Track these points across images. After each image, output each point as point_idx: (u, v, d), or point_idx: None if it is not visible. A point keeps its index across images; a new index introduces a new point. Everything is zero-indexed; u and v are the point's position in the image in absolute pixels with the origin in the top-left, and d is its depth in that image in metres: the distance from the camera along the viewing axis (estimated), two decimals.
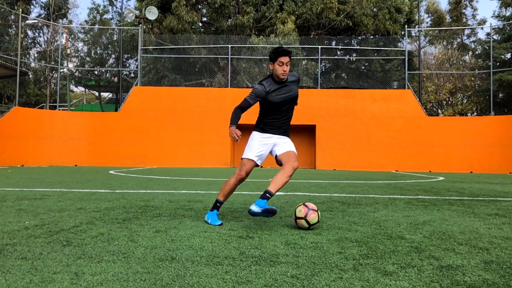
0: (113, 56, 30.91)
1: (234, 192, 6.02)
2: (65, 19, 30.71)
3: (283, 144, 3.51)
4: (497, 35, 27.98)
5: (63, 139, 17.80)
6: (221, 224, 3.35)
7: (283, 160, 3.41)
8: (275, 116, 3.48)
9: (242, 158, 3.53)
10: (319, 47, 19.42)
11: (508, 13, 28.90)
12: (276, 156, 3.50)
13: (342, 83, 20.41)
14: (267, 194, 3.18)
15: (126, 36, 25.50)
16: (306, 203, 3.23)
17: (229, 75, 18.99)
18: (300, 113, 17.89)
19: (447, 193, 6.44)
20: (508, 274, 2.07)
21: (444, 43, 34.03)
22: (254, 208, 3.11)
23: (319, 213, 3.24)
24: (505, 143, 17.03)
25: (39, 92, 30.94)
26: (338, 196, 5.74)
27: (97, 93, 34.81)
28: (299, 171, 15.02)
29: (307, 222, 3.12)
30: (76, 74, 30.38)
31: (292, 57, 19.76)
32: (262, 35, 21.91)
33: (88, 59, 30.93)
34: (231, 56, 19.26)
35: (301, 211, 3.15)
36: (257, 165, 3.53)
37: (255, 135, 3.56)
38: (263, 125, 3.54)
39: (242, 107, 3.46)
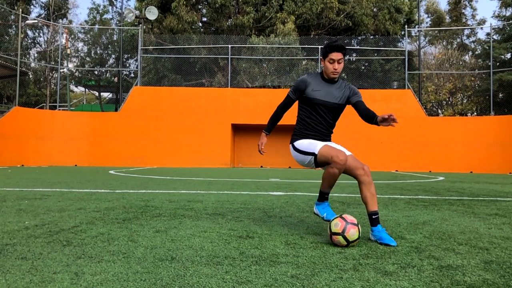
0: (113, 56, 30.94)
1: (234, 192, 6.04)
2: (65, 19, 30.73)
3: (335, 145, 3.03)
4: (497, 35, 27.99)
5: (63, 139, 17.81)
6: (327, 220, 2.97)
7: (347, 170, 2.92)
8: (313, 118, 3.03)
9: (316, 155, 2.93)
10: (319, 47, 19.42)
11: (508, 13, 28.91)
12: None
13: None
14: (373, 217, 2.78)
15: (126, 36, 25.51)
16: (343, 216, 2.67)
17: (229, 75, 19.00)
18: None
19: (447, 193, 6.44)
20: (508, 274, 2.07)
21: (444, 43, 34.05)
22: (390, 242, 2.67)
23: (360, 227, 2.65)
24: (505, 143, 17.04)
25: (39, 92, 30.97)
26: (338, 196, 5.74)
27: (97, 93, 34.83)
28: (299, 171, 15.02)
29: (345, 239, 2.56)
30: (76, 74, 30.42)
31: (291, 57, 19.95)
32: (262, 35, 21.92)
33: (88, 59, 30.97)
34: (231, 56, 19.26)
35: (337, 225, 2.60)
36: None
37: (299, 142, 3.06)
38: (299, 130, 3.09)
39: (282, 105, 3.18)
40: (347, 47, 22.49)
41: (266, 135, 3.26)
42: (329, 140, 3.16)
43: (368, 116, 3.00)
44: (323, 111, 3.02)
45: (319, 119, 3.04)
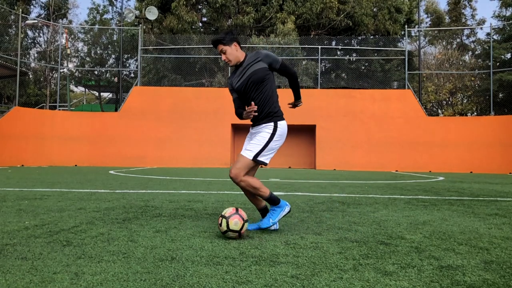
0: (113, 56, 30.90)
1: (234, 192, 6.03)
2: (65, 19, 30.70)
3: (247, 143, 3.14)
4: (497, 35, 27.99)
5: (63, 139, 17.81)
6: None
7: None
8: (244, 105, 3.16)
9: None
10: (319, 47, 19.42)
11: (508, 13, 28.90)
12: None
13: (342, 83, 20.42)
14: (261, 212, 3.13)
15: (126, 36, 25.50)
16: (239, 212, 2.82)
17: (229, 75, 18.97)
18: (300, 113, 17.88)
19: (447, 193, 6.44)
20: (508, 274, 2.07)
21: (444, 43, 34.04)
22: (265, 225, 3.03)
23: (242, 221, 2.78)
24: (505, 143, 17.04)
25: (39, 92, 30.95)
26: (338, 196, 5.74)
27: (97, 93, 34.81)
28: (299, 171, 15.02)
29: (227, 225, 2.75)
30: (76, 74, 30.39)
31: (292, 57, 19.93)
32: (262, 35, 21.92)
33: (88, 59, 30.93)
34: None
35: (237, 223, 2.77)
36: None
37: None
38: None
39: (236, 106, 3.25)
40: (347, 47, 22.73)
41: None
42: (260, 120, 3.06)
43: (290, 83, 3.18)
44: (241, 95, 3.11)
45: (244, 107, 3.14)
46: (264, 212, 3.17)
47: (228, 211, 2.80)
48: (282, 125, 3.05)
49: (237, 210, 2.82)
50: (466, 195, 6.15)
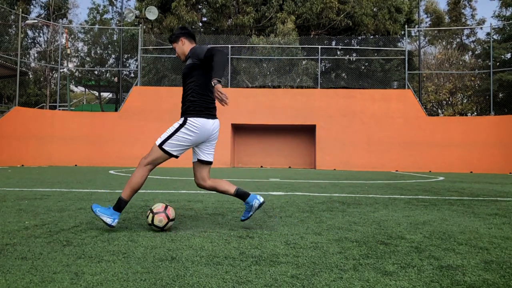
0: (113, 56, 30.91)
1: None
2: (65, 19, 30.70)
3: None
4: (497, 35, 28.00)
5: (63, 139, 17.81)
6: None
7: None
8: None
9: None
10: (319, 47, 19.42)
11: (508, 13, 28.90)
12: None
13: (342, 83, 20.42)
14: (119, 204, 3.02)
15: (126, 36, 25.51)
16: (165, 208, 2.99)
17: (229, 75, 19.00)
18: (300, 113, 17.89)
19: (447, 193, 6.44)
20: (508, 274, 2.07)
21: (444, 43, 34.04)
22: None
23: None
24: (505, 143, 17.04)
25: (39, 92, 30.95)
26: (338, 196, 5.74)
27: (97, 93, 34.82)
28: (299, 171, 15.02)
29: (168, 217, 2.93)
30: (76, 74, 30.40)
31: (291, 57, 19.94)
32: (262, 35, 21.92)
33: (88, 59, 30.94)
34: (231, 56, 19.26)
35: (161, 221, 2.92)
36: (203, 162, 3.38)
37: None
38: None
39: None
40: (347, 47, 22.72)
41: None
42: (181, 115, 3.12)
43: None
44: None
45: None
46: (240, 197, 3.14)
47: (156, 207, 2.96)
48: (195, 122, 3.03)
49: (166, 208, 2.96)
50: (466, 195, 6.15)
